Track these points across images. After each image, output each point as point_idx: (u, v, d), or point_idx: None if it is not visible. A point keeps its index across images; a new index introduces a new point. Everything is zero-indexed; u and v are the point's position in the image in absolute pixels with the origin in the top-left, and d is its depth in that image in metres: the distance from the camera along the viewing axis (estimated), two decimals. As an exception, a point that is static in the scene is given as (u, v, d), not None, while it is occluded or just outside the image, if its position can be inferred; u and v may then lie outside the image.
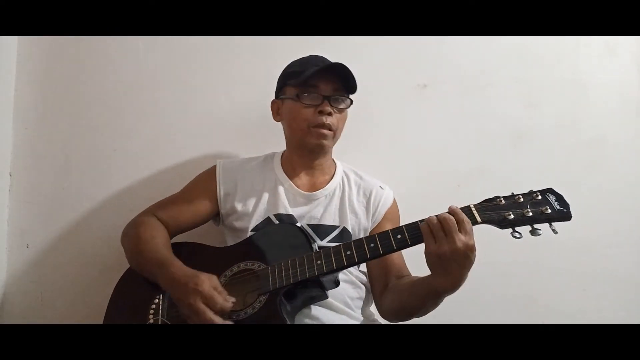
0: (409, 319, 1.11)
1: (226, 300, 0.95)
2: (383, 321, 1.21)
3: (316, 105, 1.14)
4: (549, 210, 0.92)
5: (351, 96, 1.19)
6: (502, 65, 1.56)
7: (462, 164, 1.52)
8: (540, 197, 0.95)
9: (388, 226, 1.21)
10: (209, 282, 0.96)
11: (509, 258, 1.49)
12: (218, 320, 0.93)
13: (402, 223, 1.24)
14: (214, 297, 0.94)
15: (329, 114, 1.14)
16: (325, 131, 1.15)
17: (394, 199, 1.27)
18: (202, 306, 0.93)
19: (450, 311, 1.33)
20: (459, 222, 0.90)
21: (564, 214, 0.93)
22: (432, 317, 1.17)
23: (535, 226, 0.92)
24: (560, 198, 0.95)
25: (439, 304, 1.03)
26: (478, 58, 1.55)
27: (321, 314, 1.06)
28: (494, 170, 1.52)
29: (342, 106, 1.17)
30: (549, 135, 1.55)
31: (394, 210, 1.26)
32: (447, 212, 0.93)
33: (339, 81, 1.16)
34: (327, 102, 1.14)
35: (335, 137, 1.20)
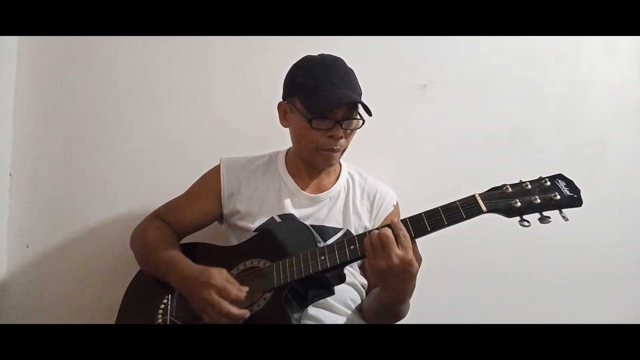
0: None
1: (240, 290, 0.96)
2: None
3: (327, 129, 1.08)
4: (559, 197, 0.88)
5: None
6: (503, 65, 1.56)
7: (462, 164, 1.52)
8: (549, 183, 0.91)
9: None
10: (220, 275, 0.97)
11: (509, 258, 1.49)
12: (234, 310, 0.94)
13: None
14: (227, 288, 0.95)
15: (340, 137, 1.10)
16: (334, 154, 1.12)
17: (397, 202, 1.26)
18: (217, 298, 0.94)
19: (450, 311, 1.34)
20: (397, 237, 0.89)
21: (574, 200, 0.88)
22: (433, 317, 1.17)
23: (545, 213, 0.88)
24: (570, 183, 0.91)
25: (402, 313, 1.04)
26: (478, 58, 1.55)
27: (322, 315, 1.06)
28: (494, 170, 1.51)
29: (353, 127, 1.12)
30: (549, 135, 1.55)
31: (396, 214, 1.24)
32: (387, 226, 0.92)
33: (354, 106, 1.10)
34: (339, 126, 1.08)
35: (343, 153, 1.17)
